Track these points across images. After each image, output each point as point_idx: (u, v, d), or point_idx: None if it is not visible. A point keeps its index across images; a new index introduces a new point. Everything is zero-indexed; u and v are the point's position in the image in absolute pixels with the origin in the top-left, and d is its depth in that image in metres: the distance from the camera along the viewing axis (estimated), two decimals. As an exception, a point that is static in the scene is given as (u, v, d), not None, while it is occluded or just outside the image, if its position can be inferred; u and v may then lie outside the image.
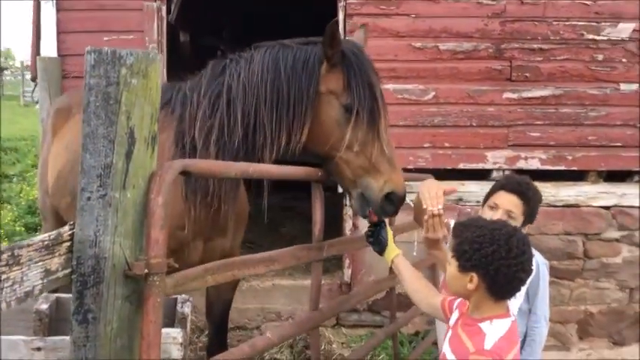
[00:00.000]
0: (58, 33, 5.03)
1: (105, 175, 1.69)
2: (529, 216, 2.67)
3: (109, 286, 1.71)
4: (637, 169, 5.09)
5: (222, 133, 2.66)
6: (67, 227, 1.71)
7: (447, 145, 5.11)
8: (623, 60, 5.01)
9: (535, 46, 5.02)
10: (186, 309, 2.12)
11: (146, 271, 1.71)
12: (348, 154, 2.67)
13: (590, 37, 5.01)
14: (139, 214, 1.75)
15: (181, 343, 2.06)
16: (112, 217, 1.70)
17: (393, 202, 2.62)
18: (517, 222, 2.58)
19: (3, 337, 1.96)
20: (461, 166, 5.12)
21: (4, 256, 1.46)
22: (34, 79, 5.12)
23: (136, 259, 1.74)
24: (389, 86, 5.08)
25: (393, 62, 5.07)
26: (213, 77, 2.79)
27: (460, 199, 5.15)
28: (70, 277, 1.71)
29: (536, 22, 5.01)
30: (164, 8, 5.10)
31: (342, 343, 5.06)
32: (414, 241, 4.90)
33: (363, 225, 5.20)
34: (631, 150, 5.06)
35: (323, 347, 4.93)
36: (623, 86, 5.02)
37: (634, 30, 4.98)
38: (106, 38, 5.08)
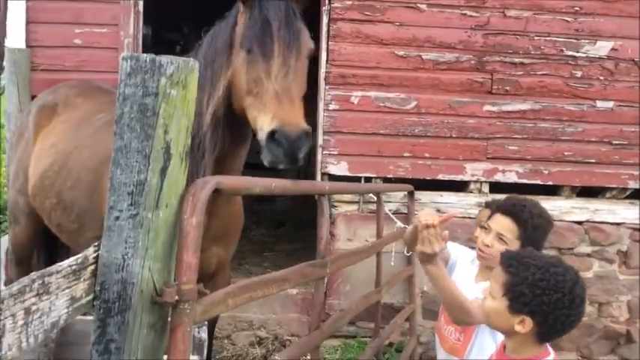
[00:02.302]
0: (27, 23, 4.75)
1: (137, 193, 1.54)
2: (528, 242, 2.43)
3: (135, 313, 1.57)
4: (610, 186, 5.18)
5: None
6: (91, 249, 1.56)
7: (426, 155, 5.08)
8: (601, 77, 5.09)
9: (516, 59, 5.05)
10: (203, 334, 1.99)
11: (177, 298, 1.57)
12: (249, 99, 2.47)
13: (570, 53, 5.07)
14: (170, 235, 1.62)
15: (198, 371, 1.93)
16: (143, 239, 1.56)
17: (279, 142, 2.24)
18: (511, 246, 2.41)
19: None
20: (440, 176, 5.10)
21: (35, 285, 1.30)
22: (-1, 70, 4.82)
23: (165, 284, 1.60)
24: (371, 94, 5.02)
25: (375, 69, 5.01)
26: None
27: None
28: (92, 304, 1.57)
29: (518, 36, 5.04)
30: (141, 3, 4.88)
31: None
32: (391, 250, 4.88)
33: (340, 234, 5.13)
34: (605, 167, 5.14)
35: None
36: (599, 103, 5.10)
37: (612, 49, 5.07)
38: (77, 30, 4.85)
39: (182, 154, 1.62)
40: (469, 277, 2.66)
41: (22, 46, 4.69)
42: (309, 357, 3.88)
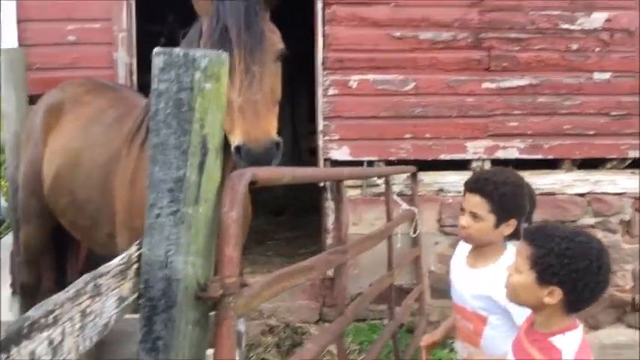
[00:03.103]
0: (19, 21, 4.67)
1: (176, 189, 1.53)
2: (502, 212, 2.32)
3: (181, 310, 1.57)
4: (610, 157, 5.22)
5: None
6: (134, 248, 1.55)
7: (427, 135, 5.08)
8: (597, 49, 5.11)
9: (513, 35, 5.05)
10: (242, 326, 1.99)
11: (221, 292, 1.57)
12: None
13: (565, 26, 5.08)
14: (210, 230, 1.61)
15: (237, 363, 1.92)
16: (185, 235, 1.55)
17: (241, 156, 2.21)
18: (487, 223, 2.32)
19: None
20: (442, 156, 5.11)
21: (89, 287, 1.30)
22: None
23: (207, 279, 1.60)
24: (369, 77, 5.01)
25: (372, 52, 4.99)
26: None
27: (441, 190, 5.15)
28: (137, 303, 1.56)
29: (513, 12, 5.03)
30: (134, -5, 4.82)
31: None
32: (397, 233, 4.90)
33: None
34: (604, 138, 5.18)
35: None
36: (596, 75, 5.12)
37: (606, 20, 5.08)
38: (70, 27, 4.77)
39: (217, 148, 1.61)
40: (462, 267, 2.61)
41: (15, 45, 4.61)
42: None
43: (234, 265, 1.58)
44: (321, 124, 5.03)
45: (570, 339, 1.84)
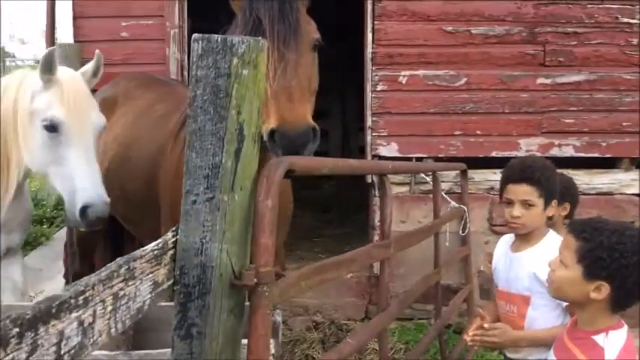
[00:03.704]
0: (74, 18, 4.81)
1: (213, 175, 1.53)
2: (549, 195, 2.46)
3: (215, 297, 1.55)
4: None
5: None
6: (170, 234, 1.55)
7: (478, 132, 4.98)
8: (658, 44, 4.90)
9: (569, 29, 4.89)
10: (278, 317, 1.98)
11: (255, 280, 1.55)
12: None
13: (625, 20, 4.89)
14: (246, 218, 1.60)
15: (274, 355, 1.91)
16: (220, 222, 1.54)
17: (275, 141, 2.17)
18: (539, 207, 2.43)
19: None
20: (493, 154, 4.99)
21: (122, 270, 1.30)
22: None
23: (243, 268, 1.59)
24: (419, 72, 4.93)
25: (423, 47, 4.92)
26: None
27: (491, 188, 5.02)
28: (172, 289, 1.56)
29: (570, 5, 4.88)
30: (186, -8, 4.89)
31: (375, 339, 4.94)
32: (445, 231, 4.81)
33: (392, 216, 5.07)
34: (666, 136, 4.96)
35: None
36: (658, 71, 4.91)
37: (670, 13, 4.87)
38: (124, 23, 4.88)
39: (255, 135, 1.59)
40: (507, 253, 2.61)
41: (71, 41, 4.75)
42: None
43: (269, 253, 1.56)
44: (369, 120, 4.98)
45: (615, 338, 1.77)
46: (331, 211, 8.05)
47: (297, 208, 8.03)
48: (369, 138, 5.01)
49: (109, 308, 1.26)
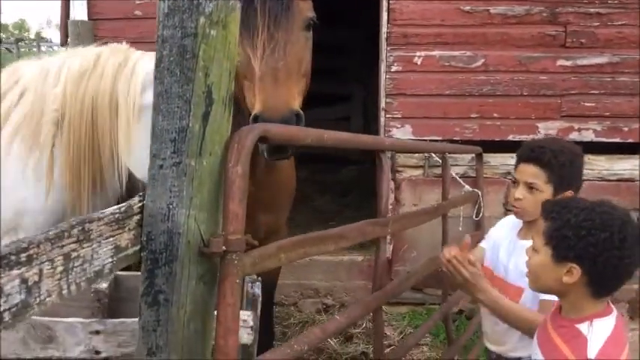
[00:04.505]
0: (89, -4, 4.81)
1: (179, 139, 1.48)
2: (560, 183, 2.22)
3: (182, 264, 1.52)
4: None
5: None
6: (136, 199, 1.51)
7: (495, 115, 4.85)
8: (686, 25, 4.70)
9: (592, 10, 4.72)
10: (257, 290, 1.94)
11: (224, 248, 1.51)
12: (245, 83, 2.29)
13: (651, 0, 4.70)
14: (215, 184, 1.55)
15: (252, 327, 1.88)
16: (187, 188, 1.50)
17: None
18: (545, 194, 2.19)
19: (59, 319, 1.79)
20: (510, 137, 4.87)
21: (75, 231, 1.27)
22: (63, 43, 4.92)
23: (212, 235, 1.55)
24: (435, 53, 4.83)
25: (439, 27, 4.80)
26: None
27: (508, 173, 4.90)
28: (139, 255, 1.53)
29: (593, -15, 4.71)
30: (199, -30, 4.84)
31: (384, 321, 4.89)
32: (459, 215, 4.72)
33: (405, 199, 5.01)
34: (691, 121, 4.77)
35: (364, 325, 4.77)
36: (685, 53, 4.72)
37: (698, -7, 4.66)
38: (137, 2, 4.87)
39: (225, 99, 1.54)
40: (512, 239, 2.46)
41: (85, 19, 4.75)
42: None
43: (238, 221, 1.52)
44: (383, 101, 4.90)
45: (600, 327, 1.64)
46: (350, 195, 7.98)
47: (315, 192, 8.04)
48: (382, 120, 4.93)
49: (60, 269, 1.23)
